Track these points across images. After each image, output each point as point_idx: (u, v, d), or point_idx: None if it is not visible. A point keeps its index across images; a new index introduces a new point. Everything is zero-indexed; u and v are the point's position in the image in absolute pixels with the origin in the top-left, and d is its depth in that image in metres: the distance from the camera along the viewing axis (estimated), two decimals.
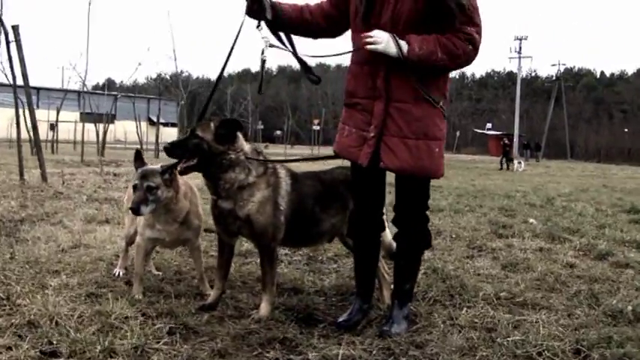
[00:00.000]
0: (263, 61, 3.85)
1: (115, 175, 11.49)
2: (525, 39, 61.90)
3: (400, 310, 3.85)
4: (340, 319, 3.88)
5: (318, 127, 54.49)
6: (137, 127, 28.80)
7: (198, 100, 29.43)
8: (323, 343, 3.53)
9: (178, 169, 3.82)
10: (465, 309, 4.17)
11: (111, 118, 27.63)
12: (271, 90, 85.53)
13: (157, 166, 4.10)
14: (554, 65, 62.96)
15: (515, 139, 57.50)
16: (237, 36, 3.82)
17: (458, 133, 71.23)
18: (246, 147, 3.95)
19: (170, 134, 42.38)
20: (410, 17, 3.45)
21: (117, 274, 4.75)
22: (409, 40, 3.42)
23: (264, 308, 3.93)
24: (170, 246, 4.64)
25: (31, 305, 3.73)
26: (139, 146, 27.32)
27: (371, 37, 3.45)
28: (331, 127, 72.43)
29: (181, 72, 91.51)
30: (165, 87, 54.82)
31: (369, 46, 3.48)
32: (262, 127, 62.43)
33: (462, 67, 3.59)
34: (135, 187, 3.99)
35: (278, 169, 4.04)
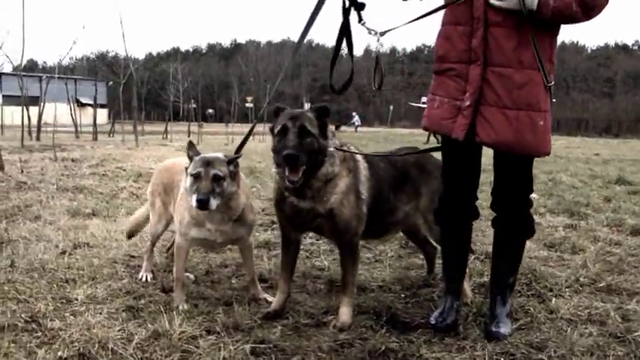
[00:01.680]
0: (377, 57, 3.41)
1: (72, 160, 10.46)
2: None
3: (504, 306, 3.34)
4: (434, 321, 3.33)
5: (251, 105, 53.42)
6: (71, 109, 27.11)
7: (130, 80, 28.05)
8: (431, 351, 3.01)
9: (296, 178, 3.11)
10: (554, 299, 3.75)
11: (35, 101, 25.77)
12: (201, 68, 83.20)
13: (221, 154, 3.41)
14: None
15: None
16: (316, 14, 3.36)
17: (391, 107, 71.42)
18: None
19: (100, 115, 40.24)
20: None
21: (144, 278, 4.02)
22: None
23: (345, 314, 3.35)
24: (218, 247, 3.94)
25: (68, 329, 2.99)
26: (72, 129, 25.78)
27: None
28: (263, 103, 71.36)
29: (107, 51, 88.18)
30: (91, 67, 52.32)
31: (495, 3, 2.93)
32: (194, 106, 60.67)
33: (590, 19, 3.04)
34: (197, 176, 3.26)
35: (355, 155, 3.49)
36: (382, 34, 3.35)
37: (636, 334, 3.18)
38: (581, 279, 4.13)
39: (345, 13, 3.35)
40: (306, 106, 49.96)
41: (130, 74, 24.57)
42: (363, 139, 32.01)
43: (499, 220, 3.34)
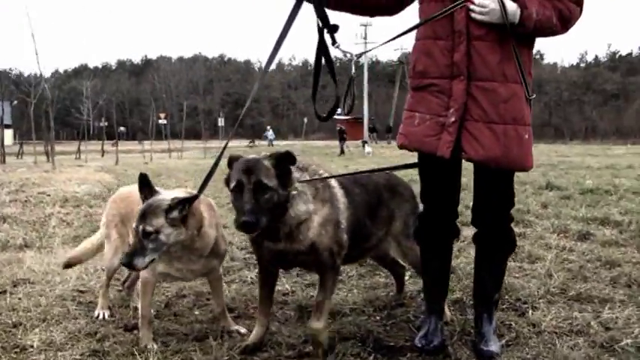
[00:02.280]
0: (351, 79, 3.31)
1: None
2: (370, 25, 63.80)
3: (490, 324, 3.26)
4: (420, 343, 3.22)
5: (164, 121, 52.10)
6: None
7: (30, 100, 26.75)
8: None
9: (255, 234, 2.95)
10: (531, 312, 3.74)
11: None
12: (112, 85, 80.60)
13: (168, 198, 3.03)
14: (396, 50, 64.83)
15: (365, 123, 58.96)
16: (289, 25, 3.12)
17: (305, 120, 71.73)
18: (296, 173, 3.07)
19: (6, 135, 38.01)
20: None
21: (101, 315, 3.69)
22: (525, 2, 2.82)
23: (324, 342, 3.14)
24: (188, 280, 3.65)
25: None
26: None
27: (479, 5, 2.84)
28: (177, 120, 70.20)
29: (10, 69, 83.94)
30: None
31: (477, 16, 2.86)
32: (106, 124, 58.67)
33: (567, 31, 3.04)
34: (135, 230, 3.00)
35: (330, 184, 3.25)
36: (358, 56, 3.24)
37: (622, 343, 3.18)
38: (551, 289, 4.14)
39: (320, 32, 3.20)
40: (220, 121, 49.37)
41: (42, 92, 23.38)
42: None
43: (482, 236, 3.27)
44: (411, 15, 3.25)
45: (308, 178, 3.12)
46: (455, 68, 2.98)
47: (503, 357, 3.09)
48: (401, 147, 3.24)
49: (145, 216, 2.95)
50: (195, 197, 3.01)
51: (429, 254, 3.38)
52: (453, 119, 2.99)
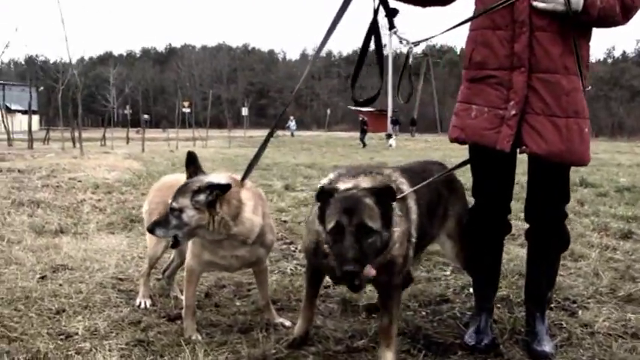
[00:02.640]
0: (409, 67, 3.14)
1: (19, 171, 9.73)
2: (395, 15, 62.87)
3: (543, 323, 3.17)
4: (472, 341, 3.12)
5: (188, 110, 52.21)
6: (2, 115, 25.78)
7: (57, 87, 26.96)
8: None
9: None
10: (580, 312, 3.63)
11: None
12: (136, 73, 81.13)
13: (202, 181, 2.97)
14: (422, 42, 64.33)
15: (389, 115, 58.55)
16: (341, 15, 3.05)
17: (329, 111, 71.52)
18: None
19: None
20: None
21: (142, 304, 3.65)
22: None
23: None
24: (233, 270, 3.56)
25: None
26: (3, 137, 24.46)
27: None
28: (200, 109, 70.37)
29: (37, 55, 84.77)
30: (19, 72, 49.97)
31: (539, 4, 2.74)
32: (130, 111, 59.04)
33: (628, 21, 2.91)
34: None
35: (405, 194, 2.92)
36: (415, 44, 3.12)
37: None
38: (600, 289, 4.02)
39: (375, 14, 3.09)
40: (244, 110, 49.19)
41: (69, 79, 23.53)
42: (305, 143, 32.03)
43: (536, 232, 3.16)
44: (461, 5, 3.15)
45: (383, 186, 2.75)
46: (515, 59, 2.87)
47: (557, 358, 2.99)
48: (454, 140, 3.13)
49: (176, 193, 2.96)
50: (227, 187, 2.92)
51: (481, 250, 3.28)
52: (513, 112, 2.88)
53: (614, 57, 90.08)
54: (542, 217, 3.11)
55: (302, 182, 10.74)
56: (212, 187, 2.90)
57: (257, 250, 3.23)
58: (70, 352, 2.85)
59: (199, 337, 3.13)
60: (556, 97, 2.85)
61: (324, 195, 2.65)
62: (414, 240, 2.90)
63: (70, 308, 3.49)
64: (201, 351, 2.85)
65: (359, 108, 69.79)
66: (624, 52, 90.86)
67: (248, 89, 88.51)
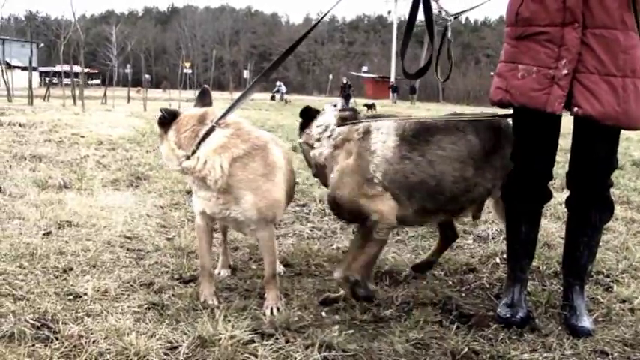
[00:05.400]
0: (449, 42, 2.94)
1: (21, 125, 9.47)
2: None
3: (582, 297, 2.97)
4: (506, 314, 2.93)
5: (189, 71, 51.57)
6: (2, 70, 25.29)
7: (59, 43, 26.49)
8: (516, 350, 2.61)
9: None
10: (615, 287, 3.43)
11: None
12: (138, 32, 79.99)
13: (201, 109, 2.95)
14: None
15: (392, 82, 58.06)
16: None
17: (331, 77, 70.81)
18: (329, 119, 3.13)
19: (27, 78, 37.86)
20: None
21: (221, 273, 3.46)
22: None
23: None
24: (234, 227, 3.20)
25: (91, 336, 2.43)
26: (2, 92, 24.04)
27: None
28: (201, 70, 69.76)
29: (37, 12, 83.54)
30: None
31: None
32: (131, 70, 58.38)
33: None
34: None
35: (372, 131, 3.00)
36: (455, 16, 2.87)
37: None
38: (634, 263, 3.81)
39: None
40: (245, 73, 48.35)
41: (70, 36, 23.07)
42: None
43: (579, 200, 2.93)
44: None
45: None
46: (568, 14, 2.62)
47: (598, 335, 2.79)
48: (497, 103, 2.89)
49: None
50: (172, 113, 2.88)
51: (519, 218, 3.05)
52: (565, 71, 2.64)
53: None
54: (587, 185, 2.88)
55: None
56: (162, 111, 2.89)
57: (231, 206, 2.87)
58: (79, 314, 2.65)
59: (215, 302, 2.93)
60: (612, 54, 2.60)
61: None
62: (376, 181, 2.91)
63: (77, 267, 3.28)
64: (221, 316, 2.64)
65: (360, 74, 69.84)
66: None
67: (250, 52, 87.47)
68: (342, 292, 3.04)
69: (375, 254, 3.10)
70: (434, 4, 2.96)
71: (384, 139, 2.96)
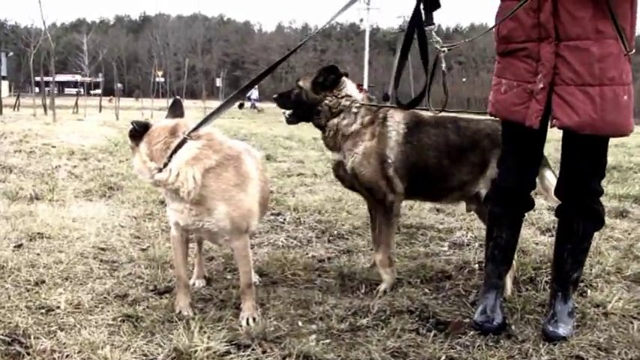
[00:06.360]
0: (434, 67, 2.98)
1: None
2: None
3: (565, 304, 2.98)
4: (481, 320, 2.94)
5: (162, 79, 51.27)
6: None
7: (29, 51, 26.13)
8: (494, 357, 2.63)
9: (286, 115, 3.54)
10: (589, 291, 3.48)
11: None
12: (109, 41, 79.25)
13: (172, 121, 2.92)
14: (399, 17, 64.20)
15: (365, 89, 58.32)
16: None
17: None
18: (355, 93, 3.50)
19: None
20: None
21: (196, 284, 3.43)
22: None
23: (386, 281, 3.47)
24: (208, 238, 3.13)
25: (64, 350, 2.38)
26: None
27: None
28: (174, 79, 69.39)
29: (6, 20, 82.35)
30: None
31: None
32: (102, 79, 57.84)
33: None
34: None
35: (389, 118, 3.45)
36: (450, 48, 2.90)
37: None
38: (607, 268, 3.87)
39: (418, 3, 2.90)
40: (218, 81, 48.11)
41: (40, 44, 22.75)
42: (280, 115, 30.91)
43: (567, 208, 2.95)
44: None
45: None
46: (542, 30, 2.67)
47: (574, 340, 2.82)
48: (490, 115, 2.99)
49: None
50: (142, 125, 2.85)
51: (499, 223, 3.09)
52: (541, 86, 2.69)
53: None
54: (575, 194, 2.91)
55: (283, 153, 10.53)
56: (133, 123, 2.86)
57: (203, 217, 2.83)
58: (52, 328, 2.60)
59: (192, 313, 2.90)
60: (588, 64, 2.63)
61: None
62: (390, 161, 3.39)
63: (49, 280, 3.23)
64: (196, 328, 2.61)
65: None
66: None
67: (223, 60, 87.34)
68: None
69: (394, 229, 3.59)
70: (429, 33, 2.98)
71: (396, 127, 3.42)
